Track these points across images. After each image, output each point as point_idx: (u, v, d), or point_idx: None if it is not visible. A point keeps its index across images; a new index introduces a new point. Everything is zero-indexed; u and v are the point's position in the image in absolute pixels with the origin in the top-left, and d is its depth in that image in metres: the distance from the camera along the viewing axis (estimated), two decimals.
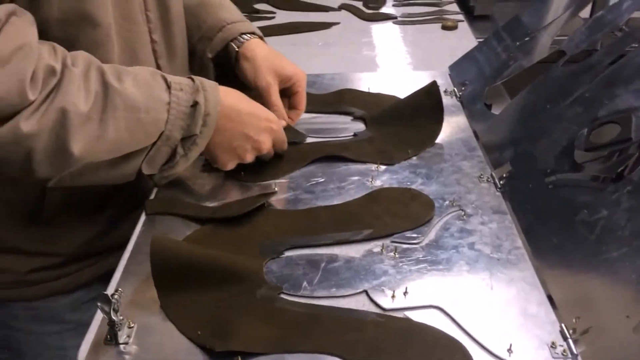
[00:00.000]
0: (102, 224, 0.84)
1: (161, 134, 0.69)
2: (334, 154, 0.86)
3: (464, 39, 1.40)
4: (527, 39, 1.00)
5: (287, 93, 0.92)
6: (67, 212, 0.80)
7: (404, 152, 0.86)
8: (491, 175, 0.81)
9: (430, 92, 0.90)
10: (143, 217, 0.75)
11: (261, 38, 0.92)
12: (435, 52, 1.33)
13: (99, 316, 0.60)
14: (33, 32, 0.63)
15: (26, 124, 0.60)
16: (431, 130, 0.89)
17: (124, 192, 0.84)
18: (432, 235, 0.71)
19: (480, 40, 1.29)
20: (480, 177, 0.81)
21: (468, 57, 1.11)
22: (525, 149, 0.79)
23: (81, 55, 0.66)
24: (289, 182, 0.82)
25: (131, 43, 0.76)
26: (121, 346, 0.57)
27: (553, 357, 0.55)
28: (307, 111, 0.94)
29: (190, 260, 0.63)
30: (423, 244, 0.69)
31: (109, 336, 0.57)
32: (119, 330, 0.57)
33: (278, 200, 0.78)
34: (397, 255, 0.67)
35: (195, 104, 0.71)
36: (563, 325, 0.57)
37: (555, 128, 0.76)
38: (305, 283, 0.64)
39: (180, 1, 0.85)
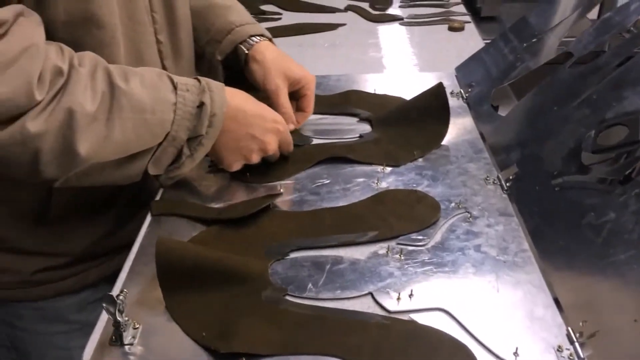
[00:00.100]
0: (108, 224, 0.84)
1: (167, 135, 0.70)
2: (339, 156, 0.86)
3: (471, 40, 1.39)
4: (534, 40, 1.00)
5: (296, 96, 0.92)
6: (74, 213, 0.80)
7: (410, 154, 0.86)
8: (497, 177, 0.80)
9: (437, 94, 0.90)
10: (149, 218, 0.76)
11: (270, 40, 0.92)
12: (442, 54, 1.33)
13: (104, 317, 0.60)
14: (40, 32, 0.63)
15: (33, 124, 0.60)
16: (437, 132, 0.89)
17: (130, 192, 0.84)
18: (437, 237, 0.70)
19: (487, 41, 1.28)
20: (486, 179, 0.80)
21: (475, 58, 1.11)
22: (532, 151, 0.79)
23: (88, 56, 0.66)
24: (294, 183, 0.82)
25: (137, 44, 0.76)
26: (126, 347, 0.57)
27: None
28: (313, 112, 0.94)
29: (195, 262, 0.63)
30: (429, 246, 0.69)
31: (114, 337, 0.57)
32: (124, 331, 0.57)
33: (283, 202, 0.78)
34: (402, 258, 0.67)
35: (201, 105, 0.71)
36: (570, 328, 0.57)
37: (562, 130, 0.76)
38: (310, 285, 0.64)
39: (186, 3, 0.86)
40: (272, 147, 0.80)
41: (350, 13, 1.61)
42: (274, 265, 0.67)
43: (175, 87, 0.70)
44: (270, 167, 0.83)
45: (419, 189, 0.79)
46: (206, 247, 0.68)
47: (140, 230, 0.74)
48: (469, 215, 0.73)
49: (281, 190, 0.80)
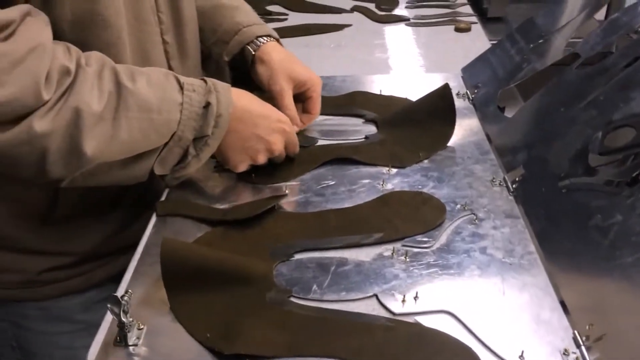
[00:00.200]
0: (115, 223, 0.85)
1: (173, 135, 0.70)
2: (345, 157, 0.85)
3: (477, 41, 1.39)
4: (541, 41, 0.99)
5: (302, 98, 0.92)
6: (80, 212, 0.80)
7: (416, 155, 0.86)
8: (504, 178, 0.80)
9: (443, 95, 0.90)
10: (154, 219, 0.76)
11: (277, 40, 0.92)
12: (448, 55, 1.33)
13: (108, 317, 0.60)
14: (48, 32, 0.63)
15: (40, 123, 0.60)
16: (443, 133, 0.89)
17: (136, 192, 0.84)
18: (443, 239, 0.70)
19: (494, 42, 1.28)
20: (492, 181, 0.80)
21: (481, 59, 1.10)
22: (539, 153, 0.78)
23: (95, 56, 0.66)
24: (299, 184, 0.81)
25: (143, 44, 0.76)
26: (130, 348, 0.57)
27: None
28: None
29: (199, 263, 0.63)
30: (434, 248, 0.69)
31: (118, 337, 0.57)
32: (129, 331, 0.57)
33: (288, 203, 0.78)
34: (407, 259, 0.67)
35: (207, 105, 0.71)
36: (576, 331, 0.57)
37: (569, 131, 0.75)
38: (315, 286, 0.63)
39: (192, 3, 0.86)
40: (278, 147, 0.80)
41: (356, 14, 1.61)
42: (278, 267, 0.67)
43: (181, 88, 0.70)
44: (276, 168, 0.83)
45: (425, 190, 0.79)
46: (211, 248, 0.68)
47: (145, 231, 0.74)
48: (474, 217, 0.73)
49: (286, 191, 0.79)
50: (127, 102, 0.65)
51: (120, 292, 0.63)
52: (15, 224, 0.79)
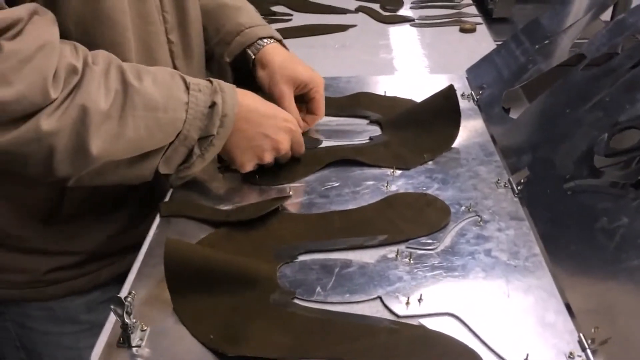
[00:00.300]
0: (120, 223, 0.85)
1: (179, 134, 0.70)
2: (349, 158, 0.85)
3: (482, 42, 1.39)
4: (546, 42, 0.99)
5: (305, 98, 0.91)
6: (86, 212, 0.80)
7: (420, 157, 0.86)
8: (509, 180, 0.80)
9: (447, 96, 0.90)
10: (157, 219, 0.76)
11: (280, 41, 0.92)
12: (453, 55, 1.32)
13: (112, 318, 0.60)
14: (55, 31, 0.63)
15: (47, 122, 0.61)
16: (448, 135, 0.89)
17: (141, 192, 0.84)
18: (447, 241, 0.70)
19: (499, 43, 1.27)
20: (497, 183, 0.80)
21: (486, 60, 1.10)
22: (544, 154, 0.78)
23: (101, 54, 0.67)
24: (304, 186, 0.81)
25: (148, 43, 0.76)
26: (134, 349, 0.57)
27: None
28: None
29: (203, 264, 0.62)
30: (438, 250, 0.68)
31: (121, 339, 0.57)
32: (132, 333, 0.57)
33: (292, 204, 0.77)
34: (412, 261, 0.67)
35: (213, 105, 0.71)
36: (581, 334, 0.56)
37: (575, 133, 0.75)
38: (318, 288, 0.63)
39: (197, 3, 0.86)
40: (285, 145, 0.80)
41: (360, 14, 1.61)
42: (282, 268, 0.66)
43: (187, 87, 0.70)
44: (280, 169, 0.83)
45: (429, 192, 0.78)
46: (214, 249, 0.68)
47: (149, 231, 0.74)
48: (479, 219, 0.73)
49: (290, 192, 0.79)
50: (134, 100, 0.66)
51: (123, 293, 0.63)
52: (20, 223, 0.79)
